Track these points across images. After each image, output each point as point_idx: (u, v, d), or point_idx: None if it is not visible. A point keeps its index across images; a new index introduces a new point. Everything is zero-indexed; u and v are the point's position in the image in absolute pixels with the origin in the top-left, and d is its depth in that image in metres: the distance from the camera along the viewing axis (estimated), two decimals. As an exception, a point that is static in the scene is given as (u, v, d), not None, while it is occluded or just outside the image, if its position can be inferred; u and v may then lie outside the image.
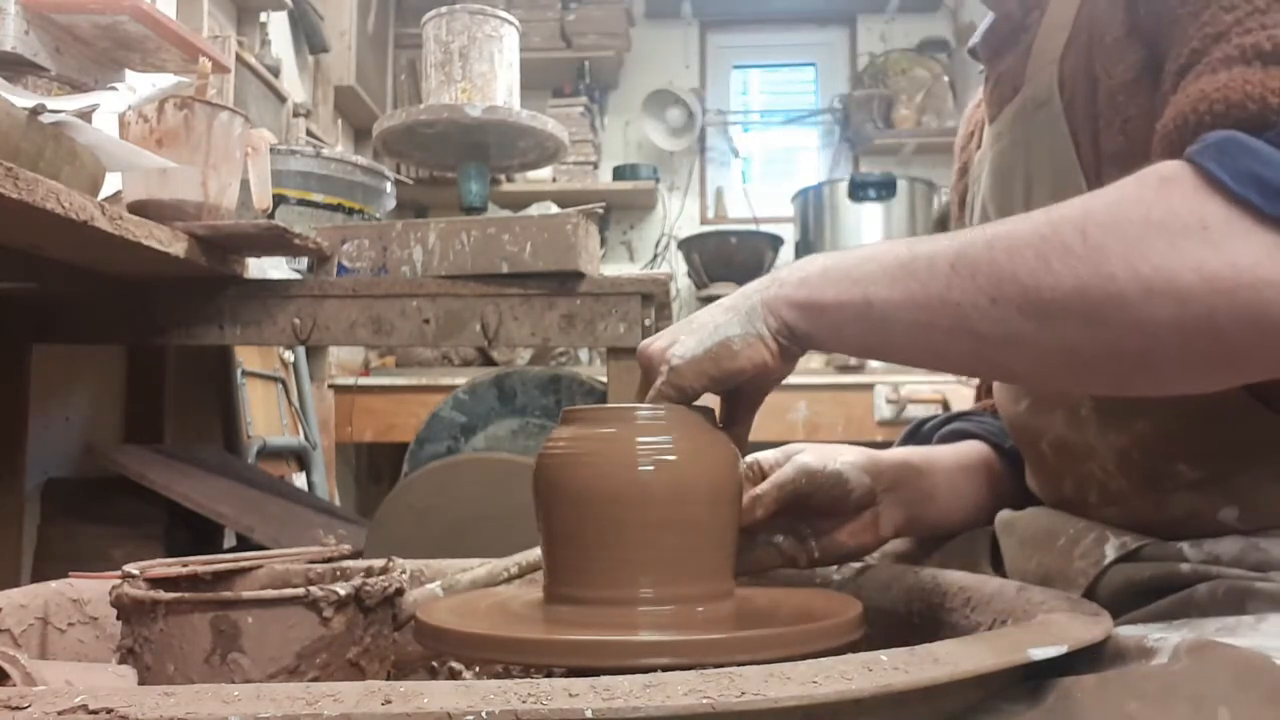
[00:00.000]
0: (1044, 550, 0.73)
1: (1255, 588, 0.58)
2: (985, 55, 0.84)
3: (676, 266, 3.60)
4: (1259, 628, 0.53)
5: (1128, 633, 0.56)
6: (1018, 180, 0.74)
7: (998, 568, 0.81)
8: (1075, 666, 0.51)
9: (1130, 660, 0.53)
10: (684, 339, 0.65)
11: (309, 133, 2.56)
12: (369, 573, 0.73)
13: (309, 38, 2.89)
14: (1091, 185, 0.65)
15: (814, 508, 0.75)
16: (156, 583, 0.66)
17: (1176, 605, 0.61)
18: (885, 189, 3.25)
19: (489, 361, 3.08)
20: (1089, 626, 0.53)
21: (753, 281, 0.66)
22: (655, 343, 0.68)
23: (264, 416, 2.29)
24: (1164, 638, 0.53)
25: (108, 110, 1.20)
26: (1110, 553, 0.68)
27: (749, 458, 0.78)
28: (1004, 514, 0.81)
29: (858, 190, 3.25)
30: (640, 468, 0.62)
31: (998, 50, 0.82)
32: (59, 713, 0.38)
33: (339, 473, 2.82)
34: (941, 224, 3.31)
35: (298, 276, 1.48)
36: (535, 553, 0.73)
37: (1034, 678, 0.50)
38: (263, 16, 2.54)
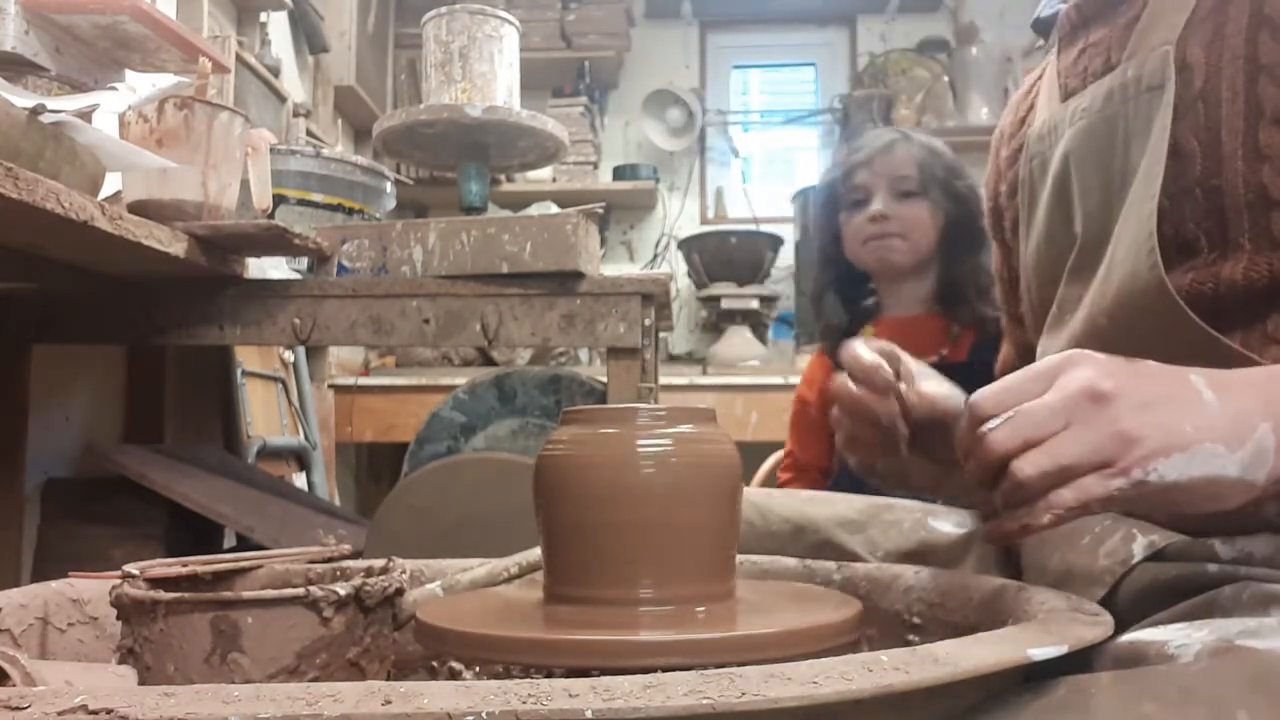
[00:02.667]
0: (1066, 546, 0.72)
1: None
2: (1071, 23, 0.81)
3: (676, 266, 3.59)
4: None
5: (1150, 635, 0.55)
6: (1114, 158, 0.72)
7: (1007, 566, 0.81)
8: (1080, 668, 0.51)
9: (1150, 663, 0.52)
10: (1164, 452, 0.52)
11: (309, 133, 2.56)
12: (369, 573, 0.73)
13: (309, 38, 2.89)
14: (1234, 183, 0.64)
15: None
16: (156, 583, 0.66)
17: (1200, 607, 0.60)
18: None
19: (489, 361, 3.08)
20: (1089, 627, 0.53)
21: (1246, 391, 0.55)
22: (1118, 417, 0.53)
23: (264, 416, 2.29)
24: (1185, 644, 0.52)
25: (108, 110, 1.20)
26: (1139, 551, 0.66)
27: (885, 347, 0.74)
28: None
29: (858, 190, 3.25)
30: (641, 468, 0.62)
31: (1088, 20, 0.78)
32: (59, 713, 0.38)
33: (339, 473, 2.82)
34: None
35: (298, 276, 1.48)
36: (535, 553, 0.73)
37: (1034, 678, 0.50)
38: (263, 16, 2.54)
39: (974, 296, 1.55)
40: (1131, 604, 0.65)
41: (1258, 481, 0.54)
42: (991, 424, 0.55)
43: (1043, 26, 0.88)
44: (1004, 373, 0.98)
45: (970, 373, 1.48)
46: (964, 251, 1.57)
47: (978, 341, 1.57)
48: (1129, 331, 0.68)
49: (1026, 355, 0.89)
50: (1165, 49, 0.67)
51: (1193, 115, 0.66)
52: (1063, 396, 0.53)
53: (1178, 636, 0.54)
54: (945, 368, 1.57)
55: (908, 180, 1.59)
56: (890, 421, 0.69)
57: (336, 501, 2.58)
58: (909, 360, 0.74)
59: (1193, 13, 0.68)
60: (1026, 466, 0.53)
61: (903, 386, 0.69)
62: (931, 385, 0.70)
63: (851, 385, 0.70)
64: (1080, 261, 0.76)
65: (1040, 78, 0.89)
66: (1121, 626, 0.56)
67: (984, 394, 0.57)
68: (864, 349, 0.70)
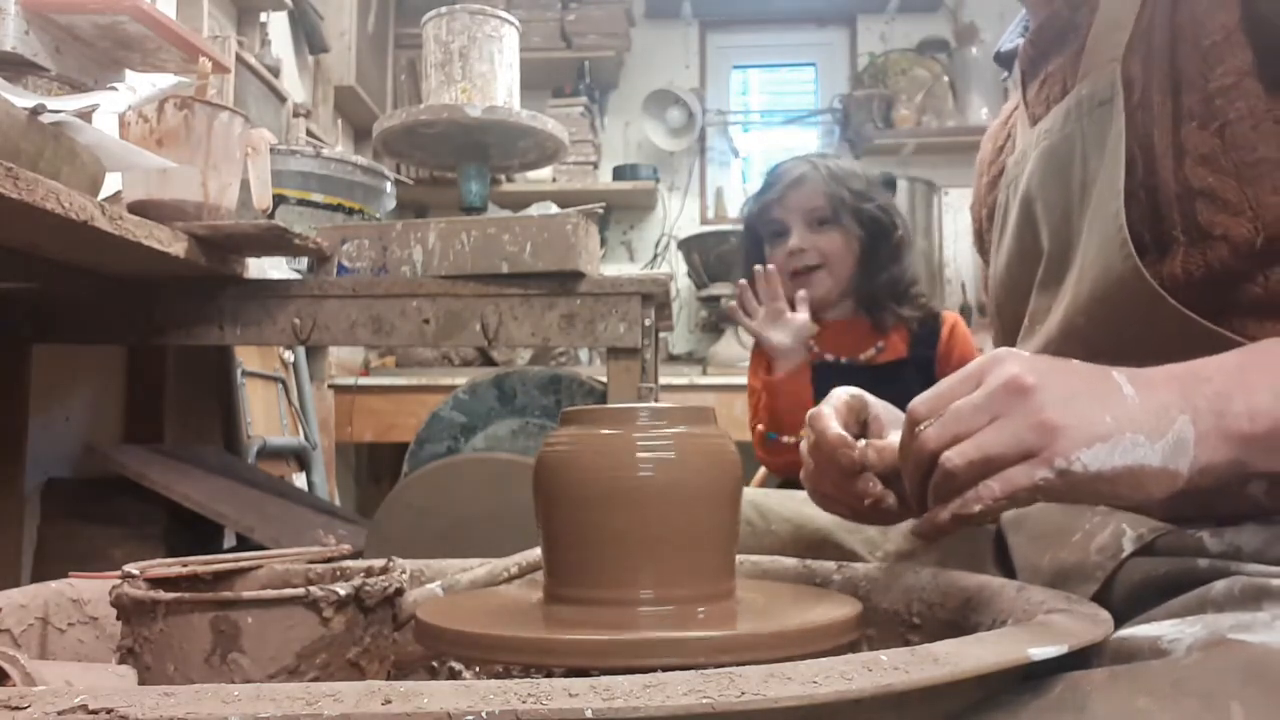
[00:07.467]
0: (1058, 545, 0.73)
1: (1272, 586, 0.58)
2: (1030, 57, 0.84)
3: (676, 266, 3.60)
4: (1274, 625, 0.53)
5: (1143, 632, 0.56)
6: (1074, 172, 0.74)
7: (1002, 566, 0.81)
8: (1076, 666, 0.51)
9: (1144, 659, 0.53)
10: (1085, 441, 0.54)
11: (309, 133, 2.56)
12: (369, 573, 0.73)
13: (309, 38, 2.89)
14: (1166, 181, 0.67)
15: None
16: (156, 583, 0.66)
17: (1193, 602, 0.61)
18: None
19: (489, 361, 3.08)
20: (1089, 627, 0.53)
21: (1168, 385, 0.56)
22: (1040, 408, 0.54)
23: (264, 416, 2.29)
24: (1178, 639, 0.53)
25: (108, 110, 1.20)
26: (1128, 545, 0.67)
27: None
28: (1011, 511, 0.81)
29: (857, 190, 3.25)
30: (640, 468, 0.62)
31: (1044, 52, 0.82)
32: (59, 713, 0.38)
33: (339, 473, 2.82)
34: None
35: (298, 276, 1.48)
36: (535, 553, 0.73)
37: (1034, 678, 0.50)
38: (263, 16, 2.54)
39: (891, 304, 1.67)
40: (1124, 601, 0.65)
41: (1181, 471, 0.55)
42: (924, 424, 0.58)
43: (1004, 60, 0.91)
44: None
45: (914, 368, 1.59)
46: (879, 267, 1.69)
47: (914, 337, 1.67)
48: (1107, 325, 0.69)
49: None
50: (1113, 65, 0.71)
51: (1133, 124, 0.70)
52: (987, 392, 0.56)
53: (1171, 631, 0.55)
54: (892, 365, 1.68)
55: (819, 210, 1.69)
56: (880, 500, 0.69)
57: (336, 501, 2.58)
58: (876, 406, 0.75)
59: (1131, 33, 0.71)
60: (955, 457, 0.56)
61: (862, 443, 0.69)
62: (894, 435, 0.70)
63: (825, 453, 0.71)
64: (1048, 273, 0.78)
65: (1015, 108, 0.92)
66: (1115, 623, 0.57)
67: (919, 399, 0.60)
68: (833, 419, 0.70)
